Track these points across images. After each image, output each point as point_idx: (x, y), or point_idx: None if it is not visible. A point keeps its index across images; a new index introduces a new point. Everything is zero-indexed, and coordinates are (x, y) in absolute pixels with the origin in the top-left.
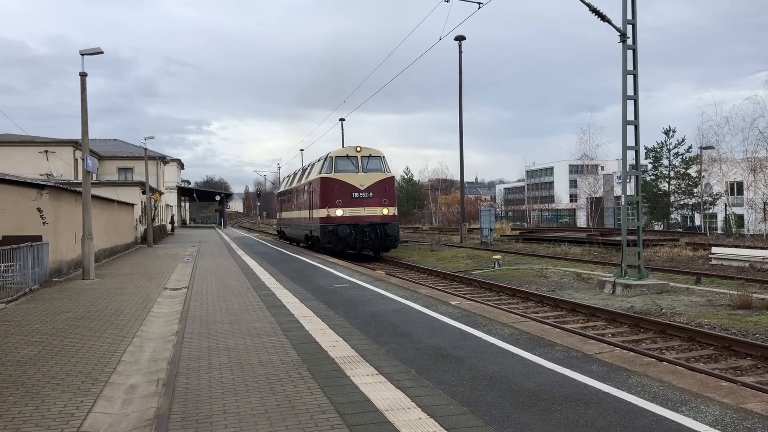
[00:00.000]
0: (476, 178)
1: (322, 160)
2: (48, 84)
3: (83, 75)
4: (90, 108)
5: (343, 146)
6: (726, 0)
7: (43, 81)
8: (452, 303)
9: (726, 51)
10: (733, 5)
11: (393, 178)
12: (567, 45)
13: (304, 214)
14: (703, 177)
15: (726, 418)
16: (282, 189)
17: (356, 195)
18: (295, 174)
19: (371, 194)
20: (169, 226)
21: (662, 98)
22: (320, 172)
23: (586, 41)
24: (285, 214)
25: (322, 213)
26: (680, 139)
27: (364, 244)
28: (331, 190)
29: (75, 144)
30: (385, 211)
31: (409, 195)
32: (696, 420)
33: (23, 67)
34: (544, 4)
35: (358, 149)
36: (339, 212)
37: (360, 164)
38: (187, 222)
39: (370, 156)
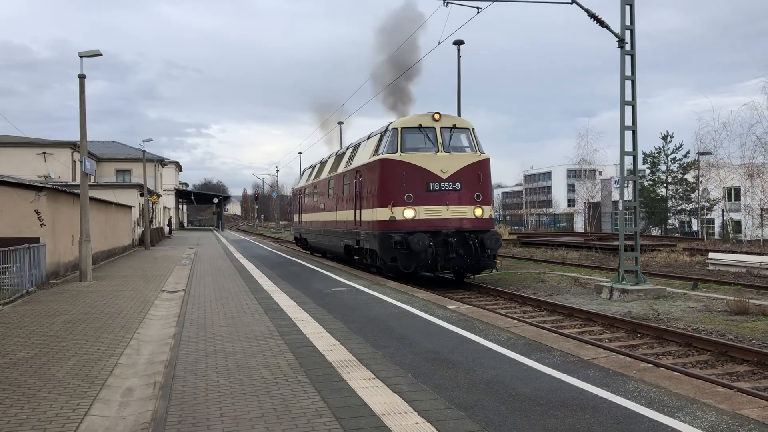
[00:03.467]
0: None
1: (379, 135)
2: (49, 87)
3: (82, 77)
4: (91, 111)
5: (341, 146)
6: (719, 9)
7: (45, 84)
8: (449, 307)
9: (720, 58)
10: (726, 14)
11: (489, 161)
12: (563, 51)
13: (344, 215)
14: (701, 182)
15: (722, 424)
16: (303, 183)
17: (435, 187)
18: (322, 163)
19: (458, 186)
20: (166, 229)
21: (658, 104)
22: (376, 153)
23: (581, 48)
24: (308, 217)
25: (381, 214)
26: (678, 145)
27: (449, 263)
28: (396, 180)
29: (73, 146)
30: (478, 211)
31: None
32: (692, 426)
33: (25, 70)
34: (540, 12)
35: (437, 116)
36: (409, 213)
37: (439, 139)
38: (185, 224)
39: (454, 127)
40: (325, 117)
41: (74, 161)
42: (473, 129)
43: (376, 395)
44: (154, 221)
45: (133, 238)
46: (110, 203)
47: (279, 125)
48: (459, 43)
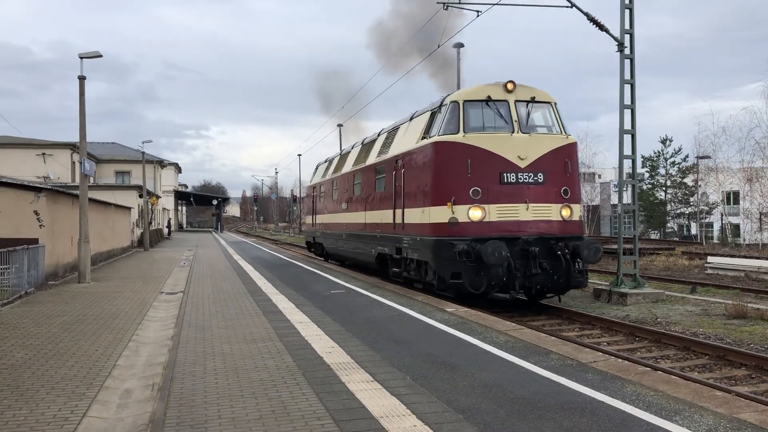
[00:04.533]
0: None
1: (430, 113)
2: (49, 88)
3: (82, 78)
4: (91, 112)
5: (341, 148)
6: (717, 14)
7: (45, 85)
8: (448, 310)
9: (719, 62)
10: (723, 19)
11: (576, 146)
12: (562, 55)
13: (376, 216)
14: (700, 186)
15: (720, 428)
16: (318, 179)
17: (511, 178)
18: (342, 155)
19: (541, 177)
20: (165, 230)
21: (657, 108)
22: (427, 135)
23: (580, 52)
24: (325, 218)
25: (437, 215)
26: (677, 149)
27: (530, 280)
28: (458, 169)
29: (73, 147)
30: (566, 211)
31: None
32: (690, 429)
33: (26, 71)
34: (539, 17)
35: (510, 86)
36: (476, 213)
37: (514, 116)
38: (184, 226)
39: (532, 100)
40: (324, 120)
41: (73, 162)
42: (555, 104)
43: (375, 398)
44: (153, 223)
45: (132, 240)
46: (109, 204)
47: (278, 127)
48: (459, 46)
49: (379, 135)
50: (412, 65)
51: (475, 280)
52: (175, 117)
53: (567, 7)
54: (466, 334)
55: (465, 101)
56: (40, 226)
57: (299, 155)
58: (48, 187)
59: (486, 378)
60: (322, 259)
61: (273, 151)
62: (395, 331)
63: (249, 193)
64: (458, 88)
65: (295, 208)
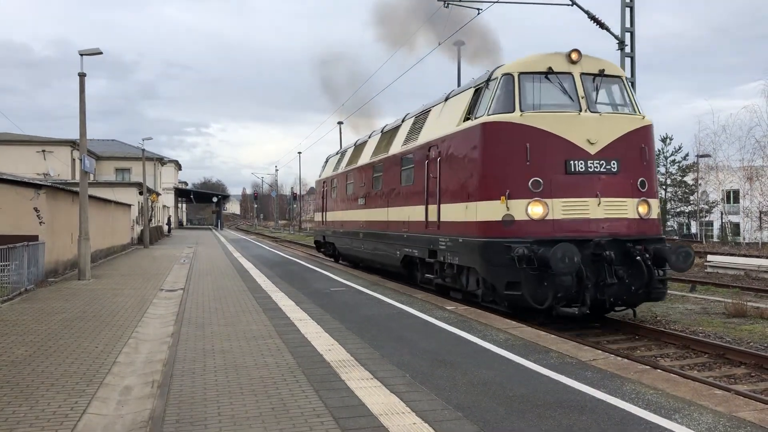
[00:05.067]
0: None
1: (473, 89)
2: (50, 85)
3: (82, 75)
4: (91, 110)
5: (341, 146)
6: (717, 13)
7: (45, 82)
8: (448, 308)
9: (719, 61)
10: (724, 18)
11: (652, 127)
12: None
13: (402, 213)
14: (700, 185)
15: (719, 427)
16: (329, 173)
17: (580, 167)
18: (358, 145)
19: (614, 166)
20: (165, 228)
21: (657, 106)
22: (472, 115)
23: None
24: (338, 216)
25: (487, 211)
26: (677, 147)
27: (604, 292)
28: (514, 156)
29: (73, 144)
30: (643, 208)
31: None
32: (689, 428)
33: (26, 68)
34: (540, 15)
35: (574, 56)
36: (537, 209)
37: (581, 91)
38: (184, 223)
39: (600, 73)
40: (324, 117)
41: (74, 159)
42: (626, 78)
43: (374, 395)
44: (153, 220)
45: (132, 237)
46: (109, 201)
47: (279, 125)
48: (459, 44)
49: (403, 120)
50: (415, 54)
51: (539, 291)
52: (175, 114)
53: (568, 5)
54: (465, 332)
55: (520, 74)
56: (40, 223)
57: (299, 153)
58: (48, 184)
59: (485, 376)
60: (332, 260)
61: (273, 149)
62: (395, 328)
63: (249, 191)
64: (458, 86)
65: (295, 205)
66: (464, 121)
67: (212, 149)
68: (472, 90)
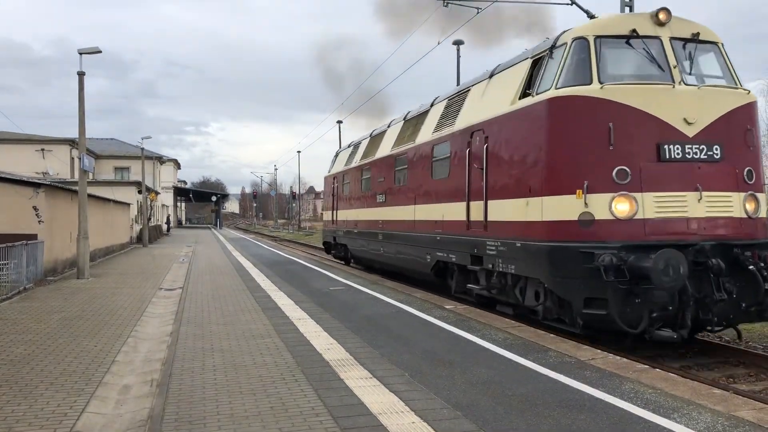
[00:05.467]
0: None
1: (531, 60)
2: (49, 84)
3: (81, 74)
4: (90, 108)
5: (340, 145)
6: (717, 11)
7: (45, 81)
8: (447, 307)
9: None
10: (724, 16)
11: (756, 105)
12: None
13: (437, 210)
14: None
15: (718, 426)
16: (341, 167)
17: (675, 152)
18: (374, 136)
19: (717, 151)
20: (164, 226)
21: None
22: (530, 90)
23: None
24: (351, 214)
25: (557, 208)
26: None
27: (707, 310)
28: (592, 138)
29: (72, 143)
30: (750, 204)
31: None
32: (688, 427)
33: (25, 67)
34: (540, 13)
35: (663, 16)
36: (623, 206)
37: (672, 59)
38: (183, 222)
39: (694, 38)
40: (324, 117)
41: (73, 158)
42: (722, 44)
43: (373, 394)
44: (152, 219)
45: (131, 236)
46: (108, 200)
47: (278, 124)
48: (459, 43)
49: (432, 105)
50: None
51: (631, 311)
52: (174, 114)
53: (567, 4)
54: (464, 331)
55: (597, 37)
56: (39, 221)
57: (298, 152)
58: (47, 182)
59: (484, 375)
60: (343, 263)
61: (273, 148)
62: (394, 328)
63: (248, 190)
64: (458, 85)
65: (294, 204)
66: (521, 98)
67: (211, 148)
68: (529, 61)
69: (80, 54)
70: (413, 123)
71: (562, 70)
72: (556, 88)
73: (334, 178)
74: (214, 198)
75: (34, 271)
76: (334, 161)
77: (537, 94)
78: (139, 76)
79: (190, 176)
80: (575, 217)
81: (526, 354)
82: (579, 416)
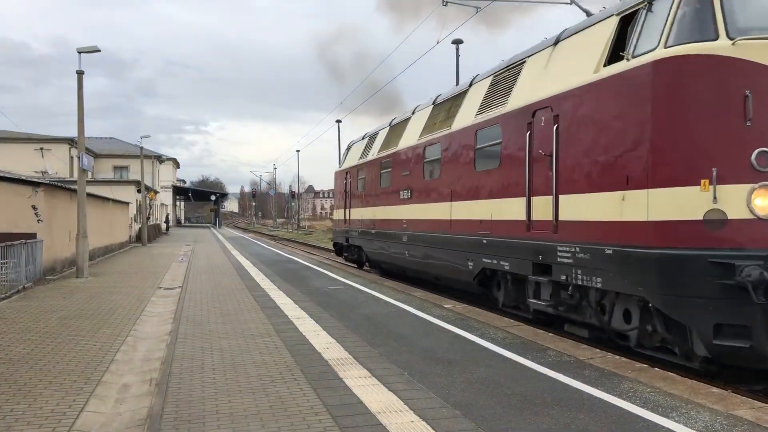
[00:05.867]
0: None
1: (625, 15)
2: (48, 83)
3: (80, 73)
4: (90, 107)
5: (340, 150)
6: None
7: (44, 80)
8: (446, 306)
9: None
10: None
11: None
12: None
13: (483, 208)
14: None
15: (716, 425)
16: (356, 161)
17: None
18: (393, 126)
19: None
20: (163, 226)
21: None
22: (626, 50)
23: None
24: (367, 213)
25: (670, 205)
26: None
27: None
28: (719, 111)
29: (71, 142)
30: None
31: None
32: (686, 426)
33: (24, 66)
34: (541, 14)
35: None
36: (765, 201)
37: None
38: (182, 221)
39: None
40: (323, 116)
41: (71, 157)
42: None
43: (372, 393)
44: (151, 218)
45: (130, 235)
46: (107, 199)
47: (277, 124)
48: (458, 42)
49: (471, 84)
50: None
51: None
52: (174, 113)
53: (567, 3)
54: (464, 331)
55: None
56: (38, 220)
57: (297, 151)
58: (46, 181)
59: (483, 374)
60: (355, 266)
61: (272, 147)
62: (393, 327)
63: (247, 189)
64: (457, 84)
65: (293, 204)
66: (607, 64)
67: (211, 147)
68: (616, 18)
69: (79, 53)
70: (446, 107)
71: (672, 24)
72: (666, 47)
73: (346, 173)
74: (213, 197)
75: (33, 270)
76: (346, 154)
77: (634, 56)
78: (139, 75)
79: (190, 175)
80: (699, 216)
81: (525, 353)
82: (578, 415)
